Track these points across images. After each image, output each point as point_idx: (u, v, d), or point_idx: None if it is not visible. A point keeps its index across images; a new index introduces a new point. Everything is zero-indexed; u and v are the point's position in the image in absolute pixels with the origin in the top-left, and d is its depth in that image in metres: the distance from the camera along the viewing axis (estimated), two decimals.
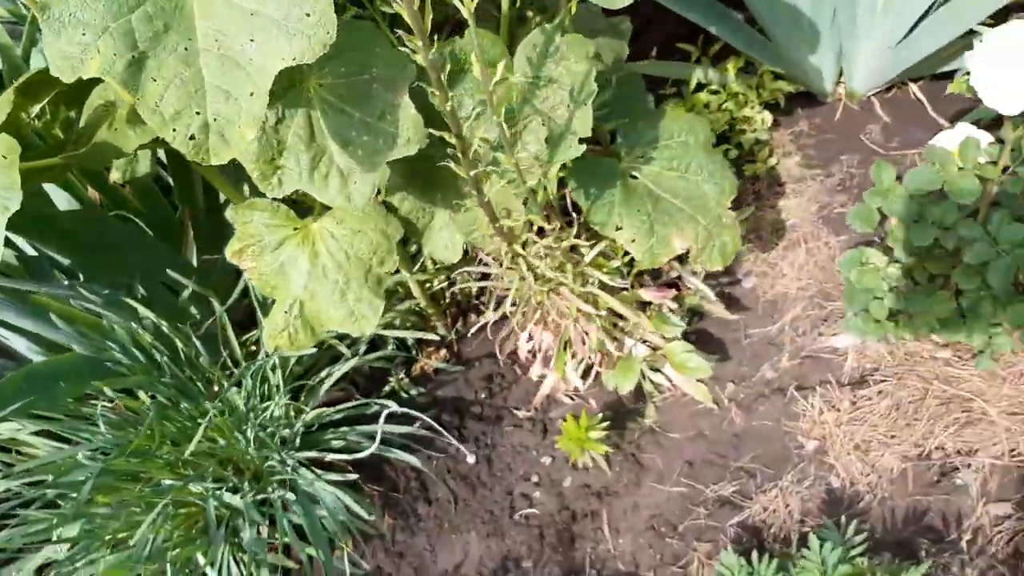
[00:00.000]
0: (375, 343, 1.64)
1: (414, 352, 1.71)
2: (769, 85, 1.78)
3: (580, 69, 1.02)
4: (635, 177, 1.26)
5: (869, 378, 1.37)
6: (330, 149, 0.97)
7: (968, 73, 0.97)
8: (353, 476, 1.45)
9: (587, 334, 1.31)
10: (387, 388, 1.68)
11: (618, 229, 1.19)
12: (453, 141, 0.91)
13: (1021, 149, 1.06)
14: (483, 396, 1.64)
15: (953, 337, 1.19)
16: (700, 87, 1.81)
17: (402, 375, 1.68)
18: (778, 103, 1.81)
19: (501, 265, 1.16)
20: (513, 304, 1.29)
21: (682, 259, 1.59)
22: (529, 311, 1.29)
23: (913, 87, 1.78)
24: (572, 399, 1.57)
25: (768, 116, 1.78)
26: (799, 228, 1.66)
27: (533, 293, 1.23)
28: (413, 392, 1.68)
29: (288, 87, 0.97)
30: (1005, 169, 1.07)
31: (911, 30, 1.53)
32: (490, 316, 1.30)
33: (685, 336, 1.57)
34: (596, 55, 1.04)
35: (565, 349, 1.37)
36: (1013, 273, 1.10)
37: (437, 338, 1.67)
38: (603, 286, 1.32)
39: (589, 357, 1.45)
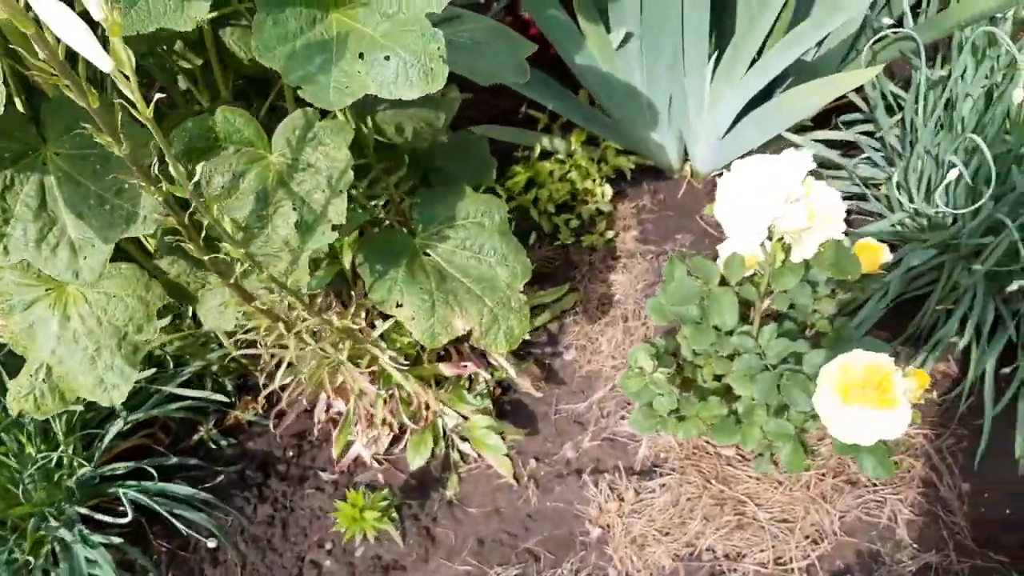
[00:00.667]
0: (195, 383, 1.58)
1: (232, 399, 1.65)
2: (611, 160, 1.79)
3: (339, 156, 1.00)
4: (428, 255, 1.24)
5: (657, 469, 1.37)
6: (63, 220, 0.93)
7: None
8: (123, 534, 1.38)
9: (372, 408, 1.28)
10: (196, 438, 1.62)
11: (398, 306, 1.17)
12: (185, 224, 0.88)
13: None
14: (291, 454, 1.59)
15: (726, 441, 1.20)
16: (547, 155, 1.82)
17: (211, 425, 1.62)
18: (624, 175, 1.82)
19: (270, 339, 1.13)
20: (293, 376, 1.26)
21: None
22: (312, 382, 1.25)
23: None
24: (380, 463, 1.54)
25: (608, 189, 1.79)
26: (623, 304, 1.66)
27: (313, 367, 1.20)
28: (223, 443, 1.62)
29: (21, 155, 0.92)
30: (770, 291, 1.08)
31: (734, 125, 1.56)
32: (273, 385, 1.26)
33: (500, 405, 1.56)
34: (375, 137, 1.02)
35: (350, 424, 1.33)
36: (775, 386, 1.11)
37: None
38: (401, 359, 1.30)
39: (390, 426, 1.42)
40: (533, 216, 1.78)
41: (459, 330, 1.20)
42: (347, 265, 1.25)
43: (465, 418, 1.49)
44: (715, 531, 1.27)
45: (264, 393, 1.32)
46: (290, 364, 1.27)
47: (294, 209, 1.00)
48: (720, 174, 1.90)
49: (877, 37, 1.31)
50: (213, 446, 1.61)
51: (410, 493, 1.50)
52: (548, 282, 1.73)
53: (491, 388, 1.53)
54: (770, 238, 0.97)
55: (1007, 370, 1.32)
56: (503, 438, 1.51)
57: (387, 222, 1.27)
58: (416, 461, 1.39)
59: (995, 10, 1.21)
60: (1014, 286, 1.16)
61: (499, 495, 1.46)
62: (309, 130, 1.02)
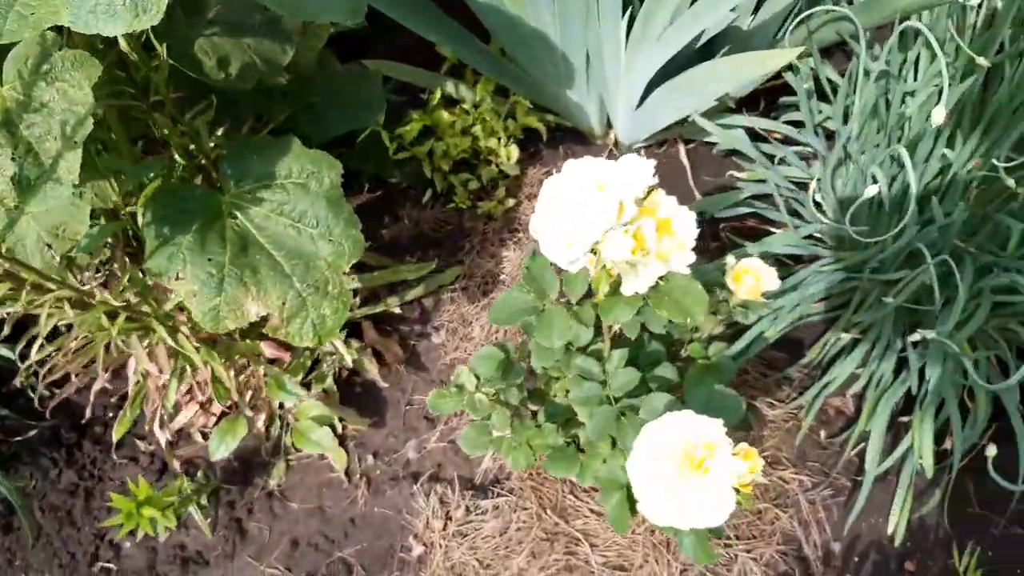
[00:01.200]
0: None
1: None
2: (521, 118, 1.57)
3: (78, 97, 0.78)
4: (236, 218, 1.04)
5: (495, 487, 1.21)
6: None
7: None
8: None
9: (165, 387, 1.09)
10: (16, 383, 1.44)
11: (178, 279, 0.97)
12: None
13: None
14: (111, 415, 1.42)
15: (560, 474, 1.02)
16: (453, 103, 1.59)
17: (31, 373, 1.44)
18: (539, 135, 1.60)
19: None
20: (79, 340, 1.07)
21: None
22: (85, 354, 1.06)
23: (682, 148, 1.60)
24: (206, 439, 1.37)
25: (515, 151, 1.57)
26: (508, 286, 1.47)
27: (86, 338, 1.01)
28: (46, 393, 1.44)
29: None
30: None
31: (649, 94, 1.33)
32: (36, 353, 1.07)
33: (351, 387, 1.38)
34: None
35: (136, 404, 1.15)
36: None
37: None
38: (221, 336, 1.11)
39: (202, 405, 1.24)
40: (426, 172, 1.56)
41: (251, 315, 1.00)
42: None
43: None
44: (540, 570, 1.11)
45: (35, 358, 1.12)
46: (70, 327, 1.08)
47: (14, 159, 0.79)
48: (646, 147, 1.70)
49: (808, 13, 1.08)
50: (32, 394, 1.43)
51: (231, 477, 1.33)
52: (435, 249, 1.53)
53: (337, 369, 1.34)
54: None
55: (905, 419, 1.14)
56: (342, 428, 1.34)
57: (190, 176, 1.06)
58: (220, 450, 1.22)
59: (936, 3, 0.98)
60: (916, 336, 0.97)
61: (326, 491, 1.30)
62: (46, 60, 0.80)
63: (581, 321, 0.89)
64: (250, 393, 1.30)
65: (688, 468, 0.75)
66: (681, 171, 1.57)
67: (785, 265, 1.26)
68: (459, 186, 1.57)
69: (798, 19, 1.09)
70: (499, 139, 1.57)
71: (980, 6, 1.09)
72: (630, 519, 0.92)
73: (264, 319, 1.01)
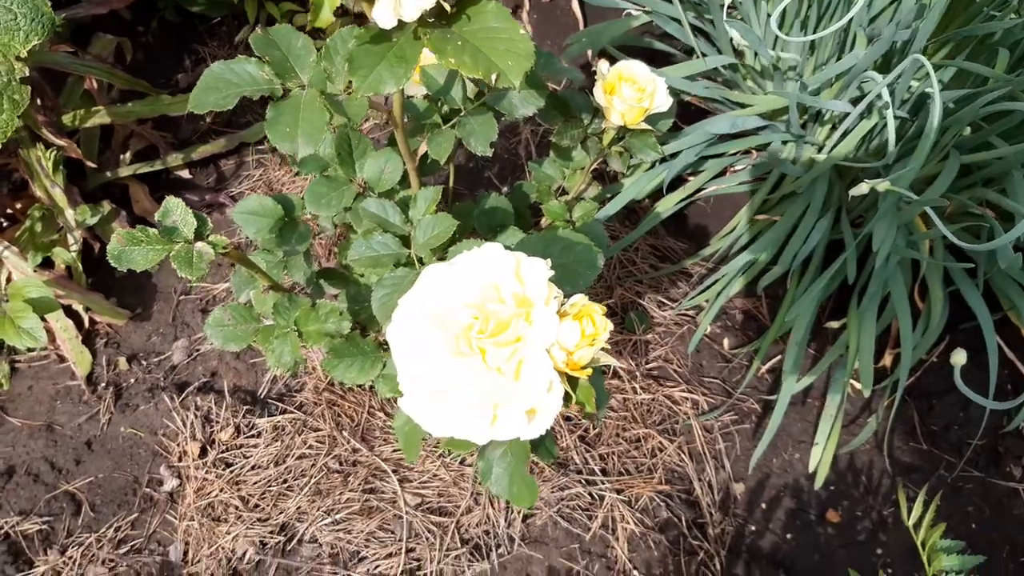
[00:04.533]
0: None
1: None
2: None
3: None
4: None
5: (285, 399, 0.87)
6: None
7: None
8: None
9: None
10: None
11: None
12: None
13: None
14: None
15: (343, 378, 0.69)
16: None
17: None
18: None
19: None
20: None
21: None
22: None
23: None
24: None
25: None
26: None
27: None
28: None
29: None
30: None
31: None
32: None
33: (106, 269, 1.01)
34: None
35: None
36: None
37: None
38: None
39: None
40: None
41: None
42: None
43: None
44: (327, 514, 0.78)
45: None
46: None
47: None
48: None
49: None
50: None
51: None
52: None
53: (81, 240, 0.98)
54: None
55: (835, 324, 0.85)
56: (89, 321, 0.98)
57: None
58: None
59: None
60: (863, 187, 0.66)
61: (60, 404, 0.94)
62: None
63: (345, 114, 0.55)
64: None
65: (480, 334, 0.42)
66: (573, 23, 1.23)
67: (693, 116, 0.94)
68: (281, 19, 1.19)
69: None
70: None
71: None
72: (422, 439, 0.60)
73: None
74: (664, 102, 0.67)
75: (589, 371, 0.45)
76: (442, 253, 0.66)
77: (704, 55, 0.86)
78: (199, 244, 0.60)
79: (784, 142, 0.85)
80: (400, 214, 0.66)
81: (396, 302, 0.60)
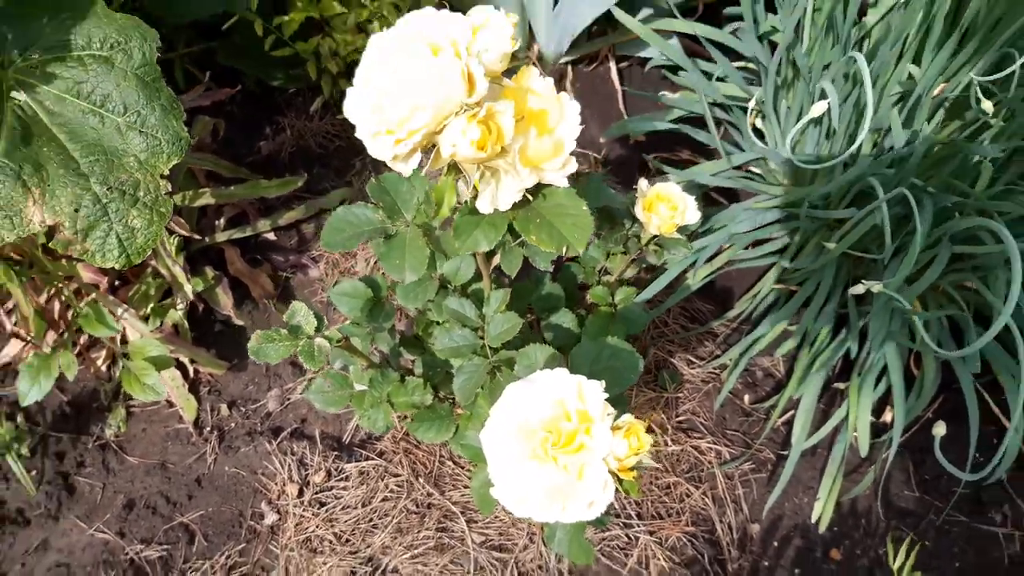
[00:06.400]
0: None
1: None
2: None
3: None
4: (16, 98, 0.81)
5: (363, 448, 1.02)
6: None
7: None
8: None
9: None
10: None
11: None
12: None
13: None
14: None
15: (426, 439, 0.83)
16: None
17: None
18: None
19: None
20: None
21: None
22: None
23: (613, 66, 1.39)
24: None
25: None
26: None
27: None
28: None
29: None
30: None
31: None
32: None
33: (208, 323, 1.17)
34: None
35: None
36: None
37: None
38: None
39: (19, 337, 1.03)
40: (310, 73, 1.33)
41: (34, 223, 0.78)
42: None
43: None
44: (407, 548, 0.93)
45: None
46: None
47: None
48: (582, 61, 1.49)
49: None
50: None
51: (63, 423, 1.13)
52: (320, 165, 1.32)
53: (188, 302, 1.13)
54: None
55: (842, 386, 0.98)
56: (194, 371, 1.14)
57: None
58: (31, 393, 1.00)
59: None
60: (860, 288, 0.79)
61: (172, 445, 1.10)
62: None
63: (441, 250, 0.70)
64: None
65: (553, 446, 0.56)
66: (612, 92, 1.37)
67: (716, 203, 1.08)
68: None
69: None
70: None
71: None
72: (492, 503, 0.74)
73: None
74: (693, 216, 0.80)
75: (635, 473, 0.59)
76: (508, 341, 0.79)
77: (729, 154, 0.99)
78: (318, 340, 0.75)
79: (798, 228, 0.98)
80: (475, 309, 0.80)
81: (473, 385, 0.75)
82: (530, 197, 0.59)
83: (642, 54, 1.33)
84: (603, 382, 0.59)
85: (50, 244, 0.79)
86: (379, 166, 1.31)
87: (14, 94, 0.80)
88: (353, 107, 0.52)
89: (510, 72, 0.55)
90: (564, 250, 0.58)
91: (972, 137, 0.89)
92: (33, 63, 0.81)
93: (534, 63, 1.41)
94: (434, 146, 0.53)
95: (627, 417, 0.59)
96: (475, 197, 0.58)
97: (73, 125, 0.81)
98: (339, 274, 1.21)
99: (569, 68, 1.41)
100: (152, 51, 0.83)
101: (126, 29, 0.82)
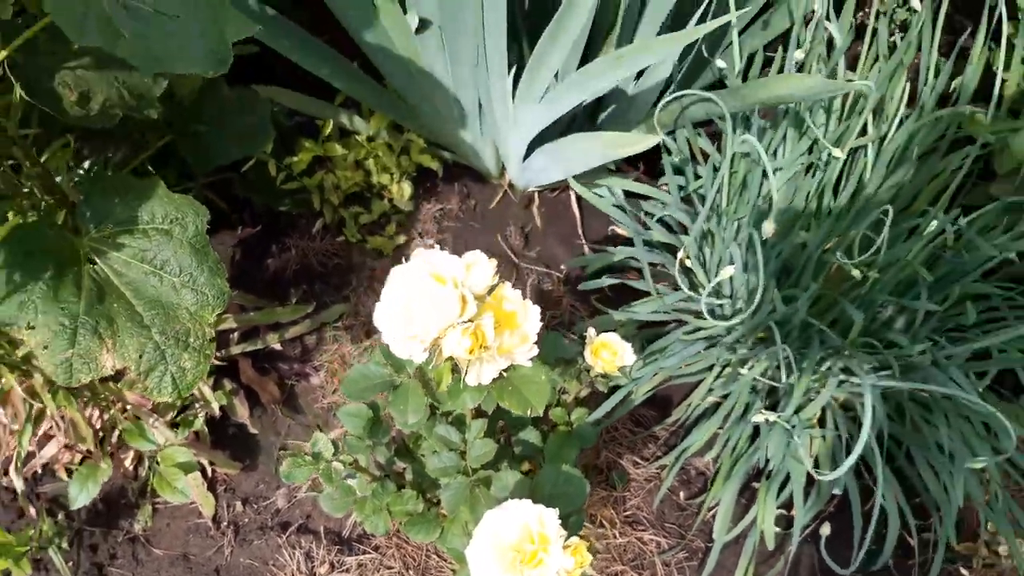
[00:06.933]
0: None
1: None
2: (415, 155, 1.56)
3: None
4: (95, 263, 1.00)
5: (360, 543, 1.21)
6: None
7: None
8: None
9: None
10: None
11: (30, 328, 0.94)
12: None
13: None
14: None
15: (419, 539, 1.03)
16: (346, 133, 1.58)
17: None
18: (434, 172, 1.60)
19: None
20: None
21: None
22: None
23: (573, 195, 1.62)
24: (71, 476, 1.32)
25: (407, 188, 1.56)
26: None
27: None
28: None
29: None
30: None
31: (532, 151, 1.35)
32: None
33: (223, 428, 1.35)
34: None
35: None
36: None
37: None
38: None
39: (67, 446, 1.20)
40: (314, 204, 1.54)
41: (107, 368, 0.97)
42: None
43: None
44: None
45: None
46: None
47: None
48: (539, 191, 1.72)
49: (680, 94, 1.11)
50: None
51: (95, 519, 1.29)
52: (320, 283, 1.51)
53: (207, 413, 1.32)
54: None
55: (758, 484, 1.19)
56: (212, 471, 1.32)
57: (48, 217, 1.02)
58: (80, 498, 1.18)
59: (797, 99, 1.02)
60: (759, 417, 1.01)
61: (192, 538, 1.27)
62: None
63: (436, 399, 0.90)
64: (116, 434, 1.26)
65: (521, 563, 0.76)
66: (572, 219, 1.59)
67: (655, 325, 1.29)
68: (349, 219, 1.56)
69: (670, 98, 1.12)
70: (392, 175, 1.56)
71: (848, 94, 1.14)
72: None
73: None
74: (630, 359, 1.02)
75: None
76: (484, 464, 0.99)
77: (662, 295, 1.21)
78: (335, 464, 0.95)
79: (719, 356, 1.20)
80: (459, 435, 1.00)
81: (458, 500, 0.95)
82: (504, 373, 0.80)
83: (596, 190, 1.56)
84: (557, 509, 0.80)
85: (118, 384, 0.98)
86: (372, 284, 1.52)
87: (90, 260, 1.00)
88: (383, 319, 0.73)
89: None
90: (528, 411, 0.79)
91: (851, 290, 1.13)
92: (106, 234, 1.01)
93: (506, 189, 1.64)
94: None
95: (575, 539, 0.79)
96: (465, 373, 0.79)
97: (137, 284, 1.01)
98: (338, 382, 1.41)
99: (536, 194, 1.64)
100: (203, 224, 1.04)
101: (182, 207, 1.03)
